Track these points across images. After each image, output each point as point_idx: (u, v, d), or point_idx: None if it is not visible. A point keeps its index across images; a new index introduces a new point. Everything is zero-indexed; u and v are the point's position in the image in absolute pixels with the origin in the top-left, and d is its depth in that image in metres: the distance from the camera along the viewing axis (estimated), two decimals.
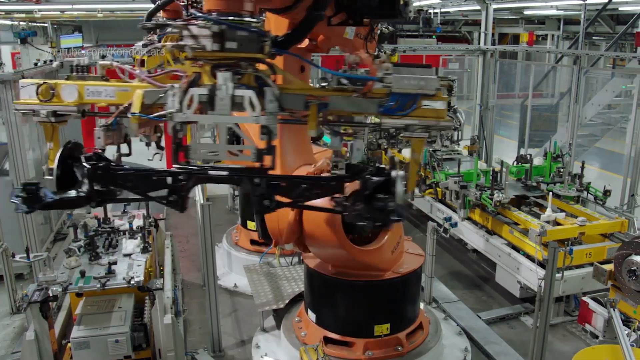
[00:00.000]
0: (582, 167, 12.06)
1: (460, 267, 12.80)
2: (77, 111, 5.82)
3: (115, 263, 7.94)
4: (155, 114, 5.07)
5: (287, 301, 9.59)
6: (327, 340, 8.17)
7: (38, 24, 26.52)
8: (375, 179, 5.38)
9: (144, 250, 8.52)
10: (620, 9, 22.94)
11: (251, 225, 11.74)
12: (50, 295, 7.06)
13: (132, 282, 7.54)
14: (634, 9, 21.22)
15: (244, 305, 11.05)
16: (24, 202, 5.24)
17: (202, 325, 10.22)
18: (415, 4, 19.67)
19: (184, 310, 9.90)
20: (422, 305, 9.11)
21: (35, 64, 13.70)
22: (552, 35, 31.78)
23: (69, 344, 7.42)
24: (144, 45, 10.57)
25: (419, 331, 8.63)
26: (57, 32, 28.45)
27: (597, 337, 8.98)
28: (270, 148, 5.04)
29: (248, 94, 4.80)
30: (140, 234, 8.92)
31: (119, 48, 17.94)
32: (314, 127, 5.28)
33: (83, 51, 16.19)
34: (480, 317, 10.39)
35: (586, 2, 17.80)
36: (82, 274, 7.64)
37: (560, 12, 26.17)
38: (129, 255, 8.39)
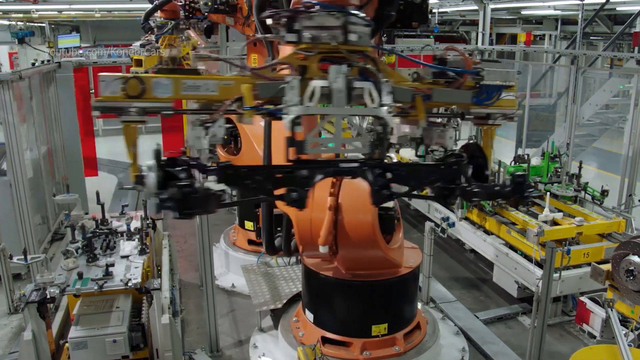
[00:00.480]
0: (580, 167, 12.06)
1: (457, 267, 12.80)
2: (170, 108, 5.15)
3: (112, 265, 7.87)
4: (274, 107, 4.99)
5: (284, 301, 9.59)
6: (324, 340, 8.15)
7: (36, 24, 26.54)
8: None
9: (142, 252, 8.48)
10: (617, 9, 22.95)
11: (249, 225, 11.74)
12: (48, 296, 7.06)
13: (130, 284, 7.47)
14: (632, 9, 21.22)
15: (242, 305, 11.05)
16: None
17: (199, 325, 10.21)
18: None
19: (182, 310, 9.89)
20: (419, 305, 9.10)
21: (33, 64, 13.68)
22: (550, 35, 31.81)
23: (67, 344, 7.41)
24: (142, 45, 10.62)
25: (417, 331, 8.62)
26: (54, 32, 28.46)
27: (594, 337, 8.99)
28: (382, 139, 5.22)
29: (368, 86, 4.94)
30: (138, 236, 8.86)
31: (116, 48, 17.94)
32: (424, 117, 5.44)
33: (81, 51, 16.19)
34: (477, 317, 10.39)
35: (584, 2, 17.80)
36: (80, 275, 7.57)
37: (558, 12, 26.19)
38: (126, 257, 8.33)
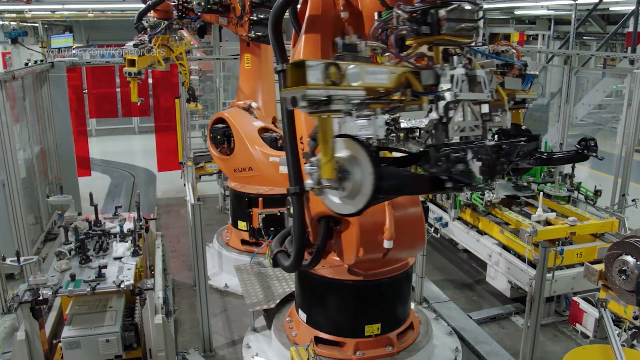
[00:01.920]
0: (573, 167, 12.07)
1: (451, 267, 12.81)
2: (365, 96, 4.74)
3: (105, 267, 7.78)
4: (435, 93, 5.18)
5: (277, 301, 9.59)
6: (317, 340, 8.14)
7: (29, 24, 26.51)
8: None
9: (135, 253, 8.41)
10: (611, 9, 22.98)
11: (242, 225, 11.74)
12: (41, 298, 7.02)
13: (122, 285, 7.39)
14: (625, 9, 21.25)
15: (235, 305, 11.05)
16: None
17: (192, 325, 10.21)
18: None
19: (175, 310, 9.90)
20: (412, 305, 9.10)
21: (26, 64, 13.67)
22: (543, 35, 31.76)
23: (60, 344, 7.42)
24: (135, 45, 10.61)
25: (410, 331, 8.62)
26: (47, 32, 28.43)
27: (587, 337, 9.01)
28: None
29: (482, 74, 5.24)
30: (130, 237, 8.83)
31: (109, 48, 17.92)
32: (506, 102, 5.90)
33: (74, 51, 16.18)
34: (471, 317, 10.40)
35: (577, 2, 17.85)
36: (73, 277, 7.55)
37: (551, 12, 26.18)
38: (119, 258, 8.27)
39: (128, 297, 8.13)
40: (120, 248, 8.59)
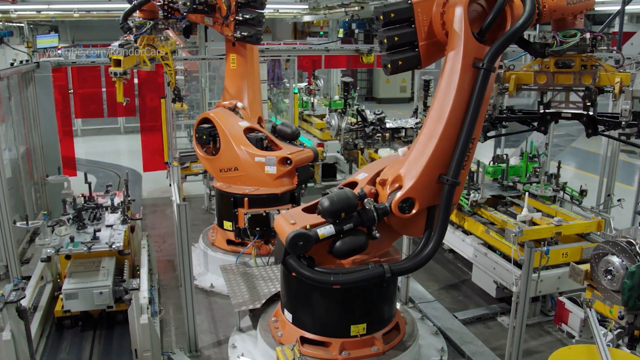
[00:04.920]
0: (559, 167, 12.10)
1: (436, 267, 12.82)
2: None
3: (99, 231, 9.44)
4: None
5: (263, 301, 9.58)
6: (303, 340, 8.14)
7: (14, 24, 26.35)
8: None
9: (124, 221, 9.99)
10: (596, 9, 23.01)
11: (227, 225, 11.73)
12: (45, 257, 8.73)
13: (114, 246, 9.02)
14: (611, 9, 21.31)
15: (221, 305, 11.04)
16: None
17: (178, 326, 10.20)
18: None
19: (161, 311, 9.89)
20: (398, 305, 9.10)
21: (12, 64, 13.61)
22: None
23: (61, 295, 8.74)
24: (120, 45, 10.57)
25: (396, 331, 8.63)
26: (33, 32, 28.27)
27: (573, 337, 9.00)
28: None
29: None
30: (120, 209, 10.38)
31: (95, 48, 17.86)
32: None
33: (59, 51, 16.13)
34: (456, 317, 10.42)
35: None
36: (72, 239, 9.10)
37: None
38: (110, 226, 9.78)
39: (118, 260, 9.50)
40: (111, 217, 10.14)
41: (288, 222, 7.58)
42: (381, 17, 7.38)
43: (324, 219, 7.41)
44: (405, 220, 7.68)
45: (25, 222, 9.99)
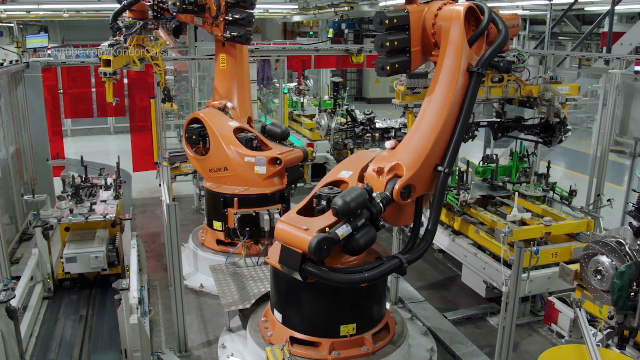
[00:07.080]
0: (548, 167, 12.12)
1: (426, 267, 12.83)
2: None
3: (95, 203, 11.70)
4: None
5: (253, 301, 9.58)
6: (293, 340, 8.14)
7: (4, 24, 26.29)
8: None
9: (116, 197, 12.17)
10: (586, 9, 23.09)
11: (217, 225, 11.72)
12: (49, 225, 10.73)
13: (107, 217, 11.24)
14: (600, 9, 21.38)
15: (210, 305, 11.02)
16: None
17: (168, 326, 10.18)
18: (382, 4, 19.72)
19: (150, 311, 9.89)
20: (388, 306, 9.11)
21: (1, 64, 13.55)
22: (518, 35, 31.94)
23: (62, 260, 10.85)
24: (110, 45, 10.56)
25: (385, 331, 8.65)
26: (23, 32, 28.22)
27: (563, 337, 9.02)
28: None
29: None
30: (112, 187, 12.59)
31: (85, 48, 17.81)
32: None
33: (49, 51, 16.09)
34: (446, 317, 10.44)
35: (552, 2, 17.92)
36: (71, 210, 11.30)
37: (526, 12, 26.23)
38: (104, 201, 11.95)
39: (110, 231, 11.66)
40: (104, 194, 12.34)
41: (299, 228, 7.54)
42: (386, 22, 7.82)
43: (339, 218, 7.44)
44: (401, 207, 7.97)
45: (31, 195, 12.42)
